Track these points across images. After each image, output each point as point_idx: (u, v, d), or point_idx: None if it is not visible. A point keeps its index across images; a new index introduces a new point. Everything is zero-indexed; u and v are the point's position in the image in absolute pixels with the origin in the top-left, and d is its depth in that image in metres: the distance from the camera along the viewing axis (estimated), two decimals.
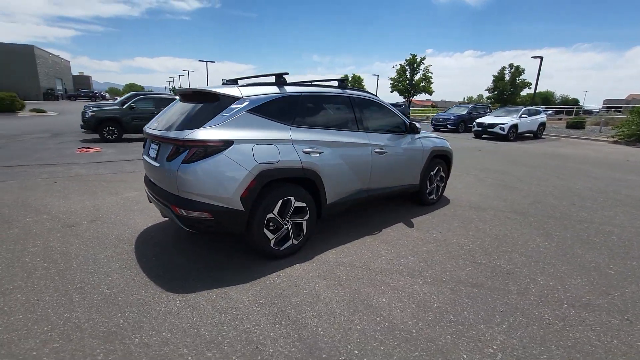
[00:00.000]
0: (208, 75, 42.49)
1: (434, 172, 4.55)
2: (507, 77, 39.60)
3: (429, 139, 4.46)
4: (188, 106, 2.88)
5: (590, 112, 33.04)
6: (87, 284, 2.48)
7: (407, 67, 35.73)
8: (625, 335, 2.03)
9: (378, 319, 2.15)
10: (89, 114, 10.00)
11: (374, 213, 4.22)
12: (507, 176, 6.72)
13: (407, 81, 35.93)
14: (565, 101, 63.17)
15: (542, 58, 22.02)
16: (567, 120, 21.58)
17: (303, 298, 2.36)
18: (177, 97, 3.25)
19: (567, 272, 2.83)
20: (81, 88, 59.55)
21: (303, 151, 2.88)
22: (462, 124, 17.70)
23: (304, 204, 2.96)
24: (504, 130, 14.01)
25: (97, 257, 2.90)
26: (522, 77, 38.65)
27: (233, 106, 2.64)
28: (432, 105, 54.60)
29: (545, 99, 63.74)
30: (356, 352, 1.85)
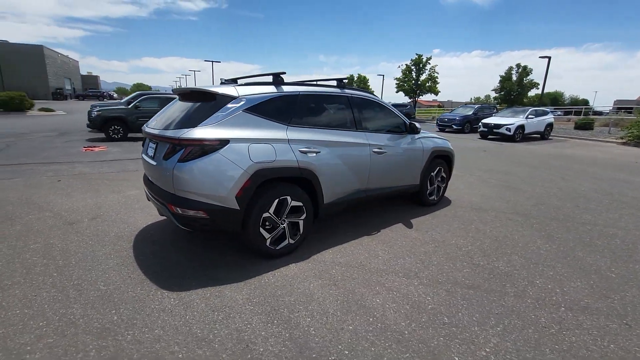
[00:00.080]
0: (214, 75, 42.78)
1: (435, 172, 4.51)
2: (514, 77, 39.14)
3: (429, 139, 4.42)
4: (186, 105, 2.90)
5: (600, 113, 32.53)
6: (84, 280, 2.51)
7: (412, 67, 35.52)
8: (622, 340, 1.99)
9: (371, 319, 2.14)
10: (95, 113, 10.13)
11: (373, 213, 4.20)
12: (511, 177, 6.64)
13: (413, 81, 35.73)
14: (575, 102, 62.28)
15: (549, 58, 21.73)
16: (575, 121, 21.26)
17: (297, 297, 2.35)
18: (176, 97, 3.28)
19: (566, 274, 2.78)
20: (89, 88, 60.33)
21: (300, 151, 2.88)
22: (467, 125, 17.54)
23: (300, 204, 2.95)
24: (510, 131, 13.85)
25: (96, 254, 2.93)
26: (530, 77, 38.17)
27: (229, 105, 2.65)
28: (439, 106, 54.23)
29: (554, 100, 62.92)
30: (346, 352, 1.84)
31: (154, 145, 2.87)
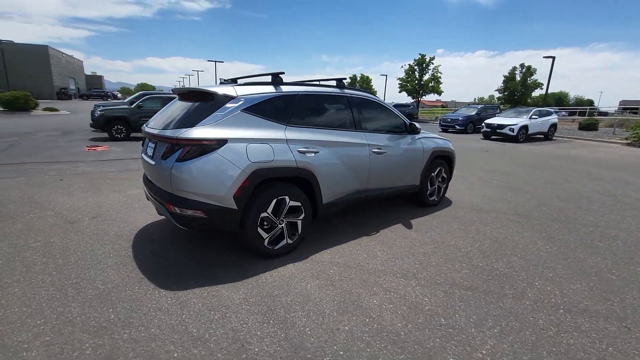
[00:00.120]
0: (217, 75, 42.88)
1: (435, 173, 4.50)
2: (518, 78, 38.90)
3: (430, 139, 4.40)
4: (185, 105, 2.90)
5: (605, 114, 32.22)
6: (83, 279, 2.52)
7: (415, 67, 35.40)
8: (621, 343, 1.97)
9: (367, 320, 2.13)
10: (98, 113, 10.20)
11: (373, 214, 4.19)
12: (513, 178, 6.60)
13: (416, 81, 35.61)
14: (580, 102, 61.79)
15: (554, 58, 21.57)
16: (579, 122, 21.10)
17: (293, 298, 2.35)
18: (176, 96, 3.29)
19: (566, 276, 2.76)
20: (93, 87, 60.79)
21: (298, 151, 2.88)
22: (470, 125, 17.47)
23: (298, 204, 2.95)
24: (513, 132, 13.78)
25: (95, 253, 2.95)
26: (534, 77, 37.91)
27: (228, 105, 2.65)
28: (442, 106, 54.00)
29: (558, 100, 62.50)
30: (341, 353, 1.84)
31: (153, 145, 2.88)
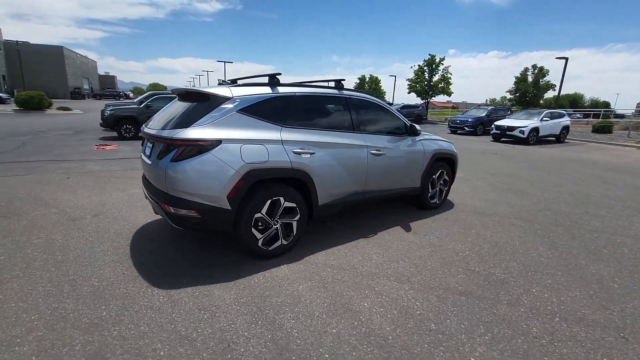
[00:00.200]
0: (226, 76, 43.30)
1: (437, 175, 4.44)
2: (529, 79, 38.14)
3: (432, 141, 4.35)
4: (183, 106, 2.93)
5: (622, 116, 31.35)
6: (80, 276, 2.57)
7: (425, 68, 35.05)
8: (618, 354, 1.91)
9: (356, 323, 2.11)
10: (108, 112, 10.40)
11: (371, 216, 4.17)
12: (520, 181, 6.47)
13: (425, 82, 35.25)
14: (595, 104, 60.26)
15: (567, 59, 21.10)
16: (593, 124, 20.58)
17: (284, 299, 2.35)
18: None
19: (565, 283, 2.69)
20: (106, 87, 62.04)
21: (293, 152, 2.88)
22: (480, 127, 17.21)
23: (294, 205, 2.95)
24: (523, 134, 13.52)
25: (94, 250, 3.00)
26: (547, 78, 37.09)
27: (223, 106, 2.67)
28: (453, 107, 53.38)
29: (573, 102, 61.03)
30: (327, 355, 1.83)
31: (151, 145, 2.92)
